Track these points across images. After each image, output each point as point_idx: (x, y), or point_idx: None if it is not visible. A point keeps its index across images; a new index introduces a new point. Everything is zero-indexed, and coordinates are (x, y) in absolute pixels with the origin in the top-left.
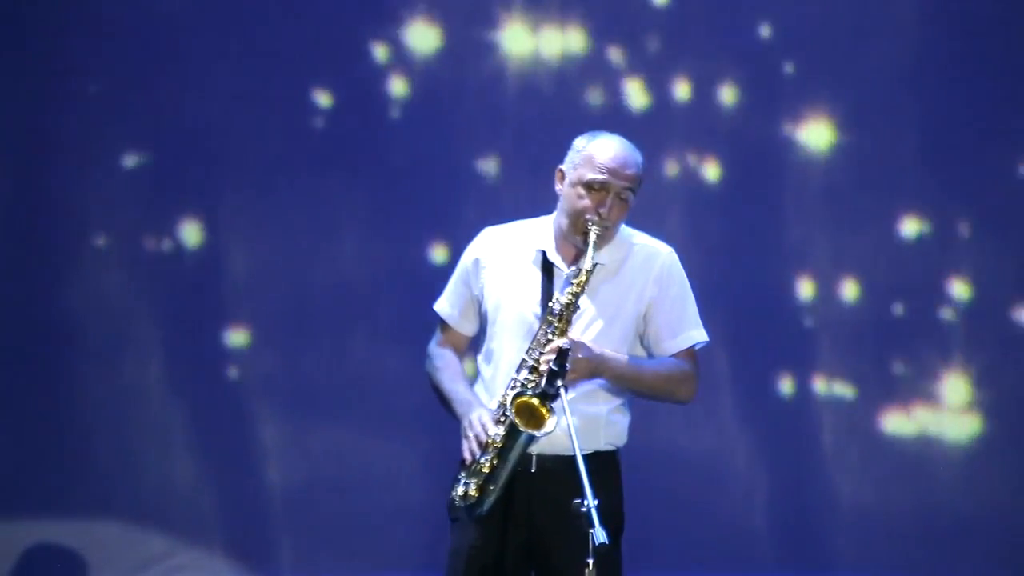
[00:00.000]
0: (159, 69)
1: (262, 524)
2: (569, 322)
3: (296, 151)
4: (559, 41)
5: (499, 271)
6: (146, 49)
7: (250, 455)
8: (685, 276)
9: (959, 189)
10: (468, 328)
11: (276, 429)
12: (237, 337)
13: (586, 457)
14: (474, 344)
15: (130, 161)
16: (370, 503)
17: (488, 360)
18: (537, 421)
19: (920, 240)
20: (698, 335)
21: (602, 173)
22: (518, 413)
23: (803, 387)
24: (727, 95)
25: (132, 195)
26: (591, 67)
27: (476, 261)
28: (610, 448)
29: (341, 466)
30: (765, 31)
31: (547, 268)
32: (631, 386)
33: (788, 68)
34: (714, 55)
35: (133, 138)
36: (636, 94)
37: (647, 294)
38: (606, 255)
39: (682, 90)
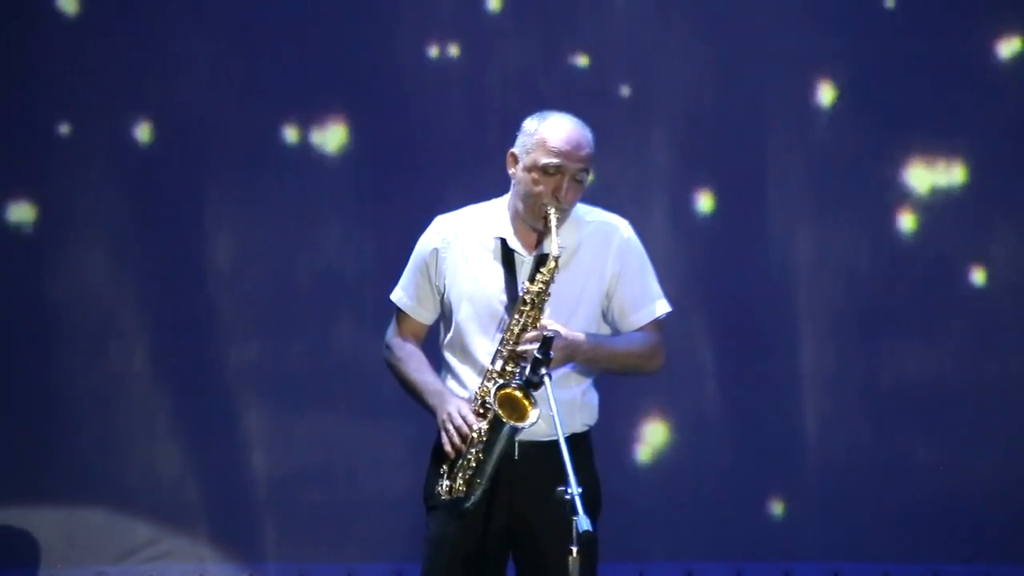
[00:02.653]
0: (146, 55)
1: (247, 511)
2: (541, 310)
3: (282, 139)
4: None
5: (460, 261)
6: (133, 34)
7: (235, 443)
8: (643, 248)
9: None
10: (427, 317)
11: (261, 417)
12: (221, 325)
13: (571, 439)
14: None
15: (114, 147)
16: (355, 491)
17: (458, 351)
18: (520, 413)
19: None
20: (662, 306)
21: (556, 156)
22: (501, 405)
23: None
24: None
25: (116, 181)
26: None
27: (435, 251)
28: (584, 429)
29: (326, 454)
30: None
31: (507, 255)
32: (604, 366)
33: None
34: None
35: (117, 125)
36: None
37: (609, 271)
38: (564, 237)
39: None
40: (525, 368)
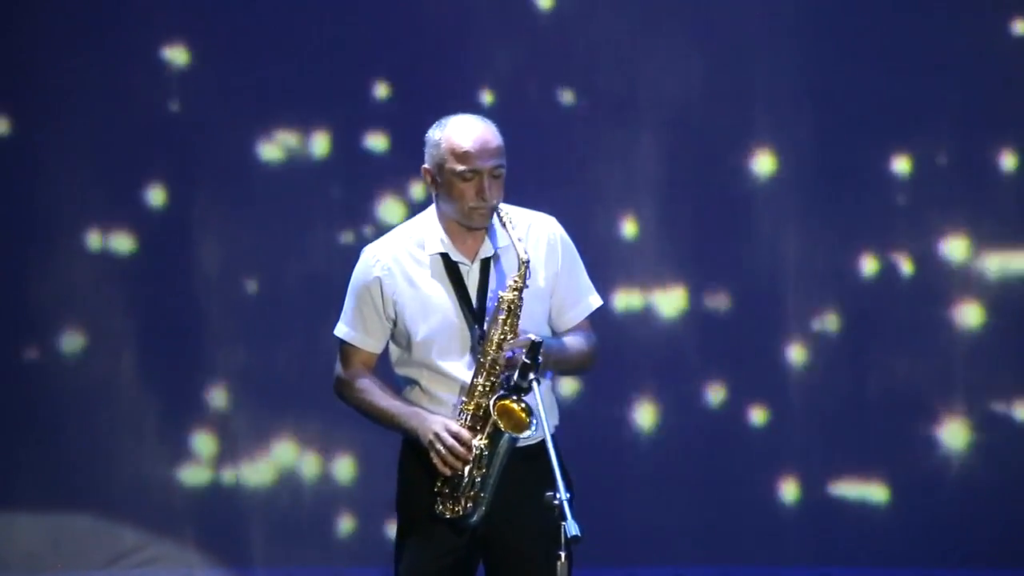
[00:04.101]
0: (135, 59)
1: (234, 516)
2: (519, 316)
3: (270, 145)
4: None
5: (405, 284)
6: (115, 39)
7: (222, 447)
8: (571, 241)
9: None
10: (376, 346)
11: (249, 421)
12: (209, 331)
13: (542, 444)
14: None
15: (102, 151)
16: (342, 496)
17: (424, 371)
18: (515, 422)
19: None
20: (595, 300)
21: (468, 160)
22: (499, 416)
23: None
24: None
25: (105, 187)
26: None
27: (377, 280)
28: (552, 431)
29: (313, 458)
30: None
31: (451, 268)
32: (561, 368)
33: None
34: None
35: (105, 129)
36: None
37: (550, 270)
38: (499, 240)
39: None
40: (512, 376)
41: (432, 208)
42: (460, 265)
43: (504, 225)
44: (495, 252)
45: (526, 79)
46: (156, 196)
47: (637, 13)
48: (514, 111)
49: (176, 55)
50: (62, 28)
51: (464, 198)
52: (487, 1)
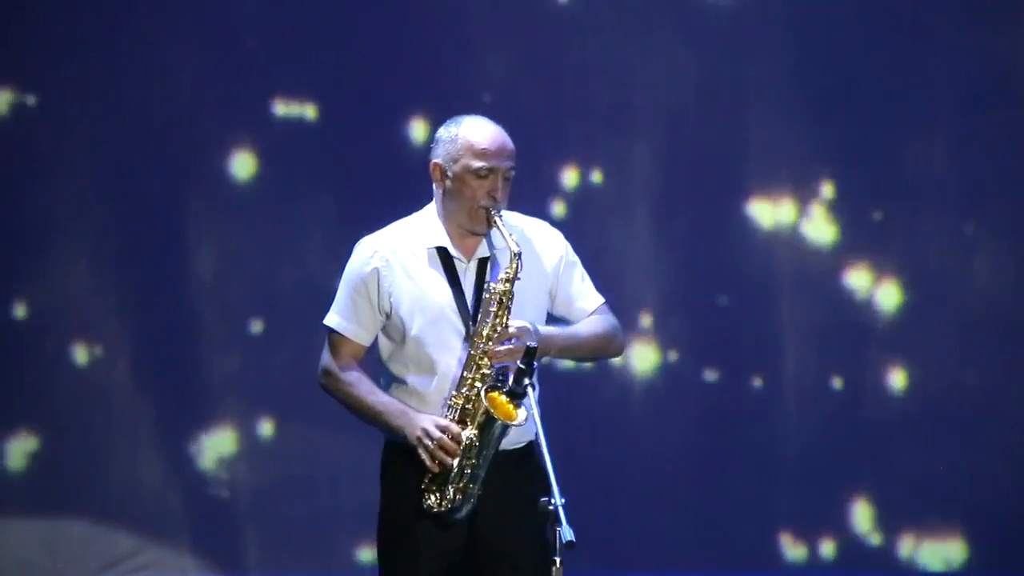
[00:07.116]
0: (130, 71)
1: (229, 522)
2: (509, 309)
3: (264, 149)
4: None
5: (402, 277)
6: (113, 52)
7: (217, 453)
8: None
9: None
10: (367, 339)
11: (243, 427)
12: (205, 335)
13: (526, 447)
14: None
15: (96, 156)
16: (337, 502)
17: (413, 365)
18: (506, 413)
19: None
20: (599, 296)
21: (486, 158)
22: (489, 406)
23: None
24: None
25: (99, 194)
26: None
27: (375, 271)
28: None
29: (308, 464)
30: None
31: (448, 263)
32: (575, 354)
33: None
34: None
35: (100, 134)
36: None
37: (549, 269)
38: (495, 240)
39: None
40: (502, 372)
41: (431, 206)
42: (457, 262)
43: (498, 225)
44: (492, 253)
45: (522, 83)
46: (151, 201)
47: (634, 16)
48: (513, 114)
49: (171, 58)
50: (63, 31)
51: (475, 196)
52: (485, 5)
